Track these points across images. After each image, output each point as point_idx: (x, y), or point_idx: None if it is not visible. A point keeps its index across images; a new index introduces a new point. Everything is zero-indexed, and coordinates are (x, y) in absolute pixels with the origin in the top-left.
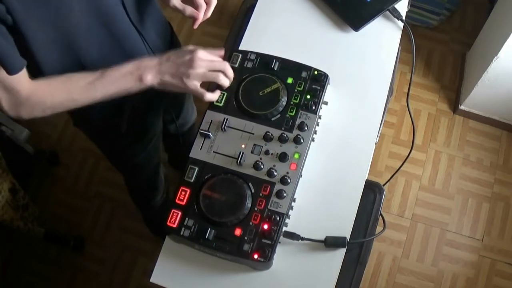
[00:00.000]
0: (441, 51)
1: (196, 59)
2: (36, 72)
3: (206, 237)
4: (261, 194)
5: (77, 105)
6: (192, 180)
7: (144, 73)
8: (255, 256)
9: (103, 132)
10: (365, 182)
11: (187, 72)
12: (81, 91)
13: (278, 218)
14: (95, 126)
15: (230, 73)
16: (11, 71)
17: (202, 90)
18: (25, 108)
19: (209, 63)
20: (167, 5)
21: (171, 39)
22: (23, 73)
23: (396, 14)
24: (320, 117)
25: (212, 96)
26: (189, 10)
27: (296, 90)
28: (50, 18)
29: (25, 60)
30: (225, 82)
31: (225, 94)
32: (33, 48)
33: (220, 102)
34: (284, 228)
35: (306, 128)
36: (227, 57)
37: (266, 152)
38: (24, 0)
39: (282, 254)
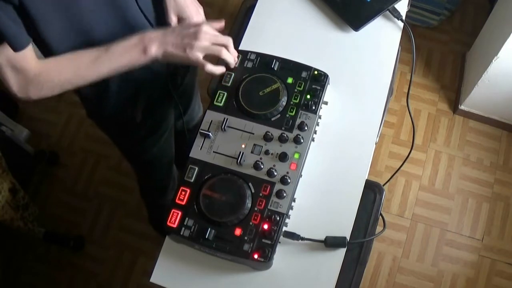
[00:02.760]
0: (441, 51)
1: (201, 31)
2: (45, 52)
3: (206, 237)
4: (261, 194)
5: (85, 81)
6: (192, 180)
7: (149, 44)
8: (255, 256)
9: (117, 124)
10: (365, 182)
11: (191, 43)
12: (87, 67)
13: (278, 218)
14: (110, 117)
15: (233, 49)
16: (17, 48)
17: (203, 61)
18: (33, 88)
19: (213, 37)
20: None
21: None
22: (30, 52)
23: (396, 14)
24: (320, 117)
25: (214, 68)
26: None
27: (296, 90)
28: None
29: (30, 37)
30: (228, 57)
31: (225, 94)
32: (41, 28)
33: (220, 102)
34: (284, 228)
35: (306, 128)
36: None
37: (266, 152)
38: None
39: (282, 254)
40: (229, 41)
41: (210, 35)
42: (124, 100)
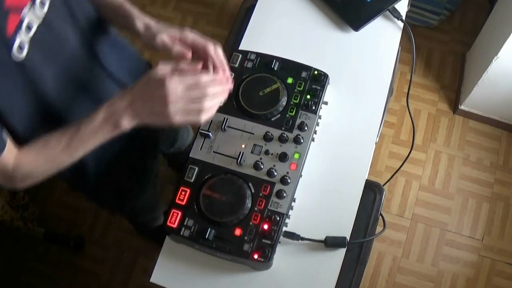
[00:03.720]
0: (441, 51)
1: (168, 94)
2: (12, 135)
3: (206, 237)
4: (261, 194)
5: (65, 166)
6: (192, 180)
7: (119, 118)
8: (255, 256)
9: (102, 192)
10: (365, 182)
11: (164, 111)
12: (61, 155)
13: (278, 218)
14: (93, 188)
15: (217, 89)
16: None
17: (192, 119)
18: (16, 181)
19: (186, 94)
20: (153, 48)
21: None
22: (8, 150)
23: (396, 14)
24: (320, 117)
25: (208, 116)
26: (176, 48)
27: (296, 90)
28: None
29: (6, 139)
30: (215, 104)
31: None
32: (6, 116)
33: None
34: (284, 228)
35: (306, 128)
36: (227, 57)
37: (266, 152)
38: None
39: (282, 254)
40: (207, 87)
41: (181, 93)
42: (104, 171)
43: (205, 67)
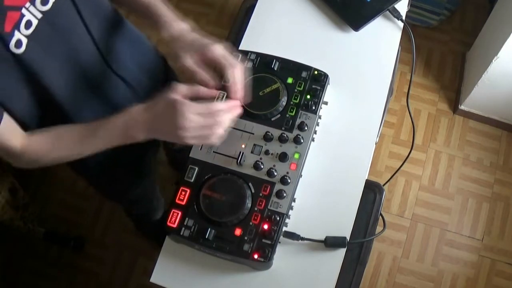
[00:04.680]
0: (441, 51)
1: (180, 120)
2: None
3: (206, 237)
4: (261, 194)
5: (72, 159)
6: (192, 180)
7: (134, 131)
8: (255, 256)
9: (100, 178)
10: (365, 182)
11: (177, 134)
12: (72, 150)
13: (278, 218)
14: (93, 173)
15: (228, 116)
16: None
17: (204, 142)
18: (23, 162)
19: (198, 121)
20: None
21: (165, 75)
22: (12, 128)
23: (396, 14)
24: (320, 117)
25: (219, 139)
26: (199, 76)
27: (296, 90)
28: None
29: (3, 113)
30: (226, 127)
31: (225, 94)
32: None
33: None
34: (284, 228)
35: (306, 128)
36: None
37: (266, 152)
38: None
39: (282, 254)
40: (219, 117)
41: (195, 122)
42: (106, 161)
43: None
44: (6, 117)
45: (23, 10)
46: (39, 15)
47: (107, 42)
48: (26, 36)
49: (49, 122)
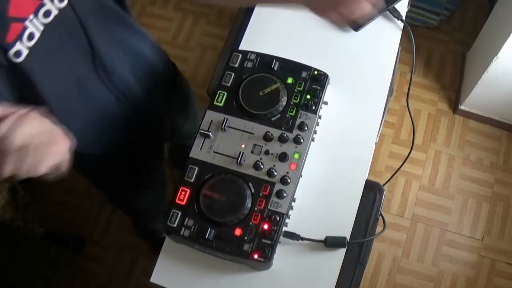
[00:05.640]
0: (441, 51)
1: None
2: None
3: (206, 237)
4: (261, 194)
5: None
6: (192, 180)
7: None
8: (255, 256)
9: (103, 182)
10: (365, 182)
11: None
12: None
13: (278, 218)
14: (95, 174)
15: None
16: None
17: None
18: None
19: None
20: None
21: (171, 86)
22: None
23: (396, 14)
24: (320, 117)
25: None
26: None
27: (296, 90)
28: None
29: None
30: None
31: (225, 94)
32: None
33: (220, 102)
34: (284, 228)
35: (306, 128)
36: (227, 57)
37: (266, 152)
38: None
39: (282, 254)
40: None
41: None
42: (108, 162)
43: None
44: None
45: (27, 22)
46: (41, 27)
47: (108, 54)
48: (28, 48)
49: None
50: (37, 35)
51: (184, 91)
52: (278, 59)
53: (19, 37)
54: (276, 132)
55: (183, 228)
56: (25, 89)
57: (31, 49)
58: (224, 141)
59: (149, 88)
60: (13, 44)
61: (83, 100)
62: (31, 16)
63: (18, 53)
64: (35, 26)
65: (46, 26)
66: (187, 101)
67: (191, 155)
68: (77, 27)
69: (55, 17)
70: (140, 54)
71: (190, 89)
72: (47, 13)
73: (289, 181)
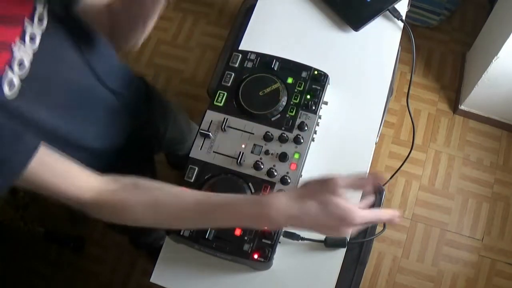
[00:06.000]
0: (441, 51)
1: (351, 219)
2: None
3: (206, 237)
4: (261, 194)
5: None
6: (192, 180)
7: (264, 223)
8: (255, 256)
9: None
10: None
11: (338, 228)
12: (172, 224)
13: None
14: None
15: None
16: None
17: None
18: (93, 213)
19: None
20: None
21: (145, 96)
22: (76, 173)
23: (396, 14)
24: (320, 117)
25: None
26: None
27: (296, 90)
28: None
29: (36, 143)
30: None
31: (225, 94)
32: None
33: (220, 102)
34: (284, 228)
35: (306, 128)
36: (227, 57)
37: (266, 152)
38: None
39: (282, 254)
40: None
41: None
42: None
43: None
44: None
45: (14, 50)
46: (31, 53)
47: (100, 62)
48: (21, 80)
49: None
50: (27, 62)
51: (157, 98)
52: (278, 59)
53: (8, 65)
54: (276, 132)
55: None
56: (20, 121)
57: (23, 80)
58: (224, 141)
59: (133, 91)
60: (4, 74)
61: (87, 114)
62: (17, 43)
63: (11, 84)
64: (23, 53)
65: (35, 52)
66: (163, 105)
67: (191, 155)
68: (67, 42)
69: (40, 41)
70: (117, 66)
71: (162, 95)
72: (32, 39)
73: (289, 181)
